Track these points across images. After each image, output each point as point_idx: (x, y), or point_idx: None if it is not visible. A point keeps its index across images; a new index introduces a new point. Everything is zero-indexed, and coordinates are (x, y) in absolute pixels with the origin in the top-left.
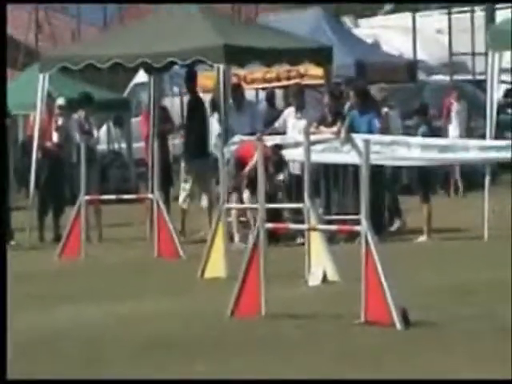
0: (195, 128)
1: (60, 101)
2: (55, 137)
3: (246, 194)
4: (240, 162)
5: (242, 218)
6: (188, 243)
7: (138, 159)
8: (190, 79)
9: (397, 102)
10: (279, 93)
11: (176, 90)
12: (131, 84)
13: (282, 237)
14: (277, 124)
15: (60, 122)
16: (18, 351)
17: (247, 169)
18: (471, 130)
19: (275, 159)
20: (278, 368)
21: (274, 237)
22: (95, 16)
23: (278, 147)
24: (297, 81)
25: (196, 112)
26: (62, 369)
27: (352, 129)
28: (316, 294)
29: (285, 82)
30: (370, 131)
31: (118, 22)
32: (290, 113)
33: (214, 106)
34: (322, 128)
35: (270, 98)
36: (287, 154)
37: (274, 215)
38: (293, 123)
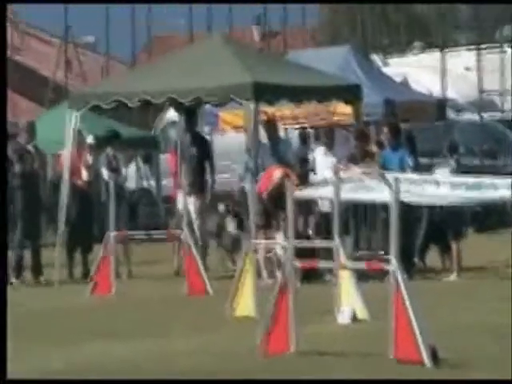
0: (195, 166)
1: (90, 139)
2: (85, 175)
3: (279, 235)
4: (268, 199)
5: (269, 255)
6: (214, 279)
7: (167, 196)
8: (191, 117)
9: (426, 140)
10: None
11: (207, 129)
12: (163, 121)
13: (312, 274)
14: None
15: (90, 160)
16: None
17: (270, 187)
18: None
19: (301, 173)
20: None
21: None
22: (124, 53)
23: (303, 161)
24: (328, 120)
25: (196, 149)
26: None
27: (384, 167)
28: (345, 332)
29: (313, 120)
30: (403, 168)
31: (147, 58)
32: (319, 151)
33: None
34: (352, 166)
35: (304, 136)
36: (317, 192)
37: (307, 253)
38: (322, 161)
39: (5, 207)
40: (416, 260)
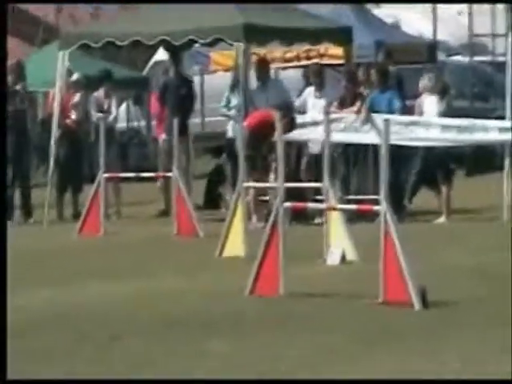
0: (179, 107)
1: (74, 77)
2: (73, 114)
3: (271, 178)
4: (251, 134)
5: (263, 198)
6: (207, 221)
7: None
8: (177, 58)
9: (415, 82)
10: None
11: (196, 68)
12: (151, 62)
13: (303, 216)
14: (297, 103)
15: (76, 98)
16: (34, 326)
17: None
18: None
19: (286, 121)
20: (294, 347)
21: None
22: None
23: (289, 107)
24: (316, 60)
25: (183, 90)
26: (77, 344)
27: (372, 108)
28: (334, 273)
29: (304, 62)
30: (391, 110)
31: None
32: (309, 92)
33: (235, 84)
34: (343, 107)
35: (307, 76)
36: (306, 133)
37: (297, 195)
38: (313, 103)
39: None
40: (406, 202)
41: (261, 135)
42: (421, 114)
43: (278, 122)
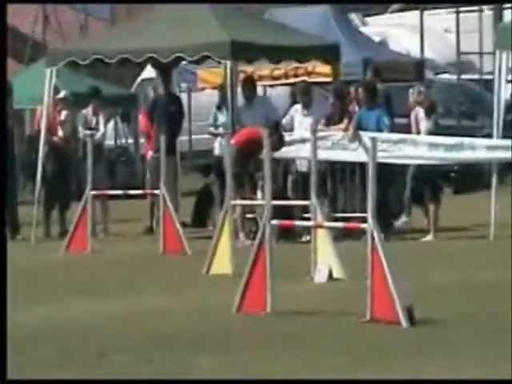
0: (168, 125)
1: (61, 94)
2: (60, 131)
3: (259, 195)
4: (239, 151)
5: (251, 215)
6: (194, 239)
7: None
8: (166, 75)
9: (403, 100)
10: (284, 89)
11: (184, 86)
12: (138, 80)
13: (290, 234)
14: (284, 121)
15: (63, 116)
16: (22, 344)
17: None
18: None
19: (275, 139)
20: (282, 364)
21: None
22: (103, 10)
23: (276, 125)
24: (304, 78)
25: (173, 108)
26: (65, 361)
27: (360, 126)
28: (321, 291)
29: (292, 80)
30: (379, 128)
31: (126, 16)
32: (296, 110)
33: (222, 101)
34: (330, 125)
35: (294, 94)
36: (294, 151)
37: (284, 212)
38: (300, 120)
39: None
40: (407, 218)
41: (248, 153)
42: (417, 128)
43: (265, 140)
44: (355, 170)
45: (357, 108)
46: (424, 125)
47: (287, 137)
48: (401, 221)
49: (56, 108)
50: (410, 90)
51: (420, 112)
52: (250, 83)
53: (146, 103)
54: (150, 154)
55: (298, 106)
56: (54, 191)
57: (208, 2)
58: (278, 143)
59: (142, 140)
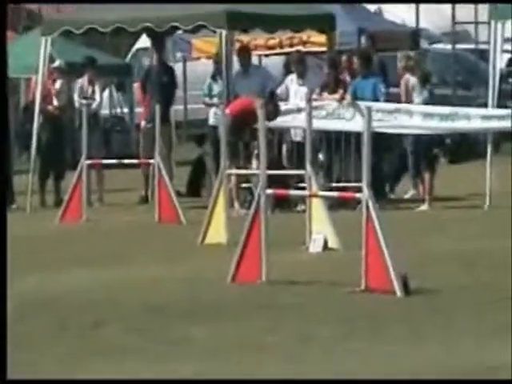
0: (161, 95)
1: (56, 63)
2: (55, 100)
3: (254, 164)
4: (233, 121)
5: (246, 185)
6: (189, 208)
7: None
8: (160, 45)
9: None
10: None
11: (179, 55)
12: (133, 49)
13: (285, 203)
14: (279, 91)
15: (58, 85)
16: (17, 313)
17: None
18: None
19: (270, 109)
20: (276, 334)
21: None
22: None
23: (272, 95)
24: (298, 48)
25: (165, 78)
26: (59, 331)
27: (355, 95)
28: (317, 260)
29: (287, 49)
30: (375, 96)
31: None
32: (291, 80)
33: (217, 71)
34: (325, 95)
35: (289, 64)
36: (289, 120)
37: (279, 182)
38: (295, 90)
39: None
40: (388, 189)
41: (242, 122)
42: (407, 96)
43: (260, 109)
44: (350, 139)
45: (348, 78)
46: (418, 95)
47: (282, 106)
48: (409, 193)
49: (51, 77)
50: (398, 55)
51: (411, 80)
52: (245, 52)
53: (141, 73)
54: (143, 123)
55: (293, 76)
56: (49, 160)
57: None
58: (273, 113)
59: (138, 109)
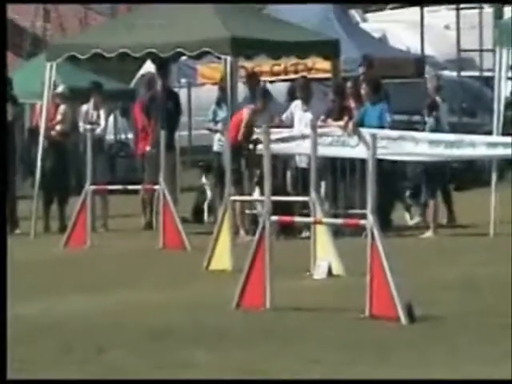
0: (165, 121)
1: (59, 89)
2: (58, 126)
3: (256, 192)
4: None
5: (250, 211)
6: (193, 234)
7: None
8: (164, 70)
9: (403, 97)
10: (284, 85)
11: (183, 81)
12: (138, 74)
13: (289, 230)
14: (284, 117)
15: (61, 110)
16: (21, 338)
17: (240, 136)
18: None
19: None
20: (279, 360)
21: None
22: (103, 4)
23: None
24: (304, 74)
25: (170, 104)
26: (62, 355)
27: (362, 121)
28: (321, 287)
29: (292, 75)
30: (381, 124)
31: (126, 10)
32: (296, 106)
33: (222, 97)
34: (330, 121)
35: (293, 91)
36: (294, 147)
37: (284, 208)
38: (299, 116)
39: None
40: (420, 217)
41: (240, 144)
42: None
43: (250, 115)
44: (355, 166)
45: (353, 104)
46: (431, 123)
47: (287, 133)
48: (414, 221)
49: (54, 103)
50: (427, 76)
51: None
52: (254, 79)
53: (139, 97)
54: (147, 149)
55: (298, 102)
56: (53, 186)
57: (208, 1)
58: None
59: (131, 136)
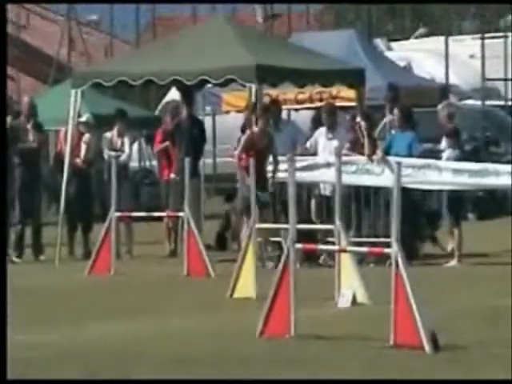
0: (190, 148)
1: (83, 118)
2: (83, 154)
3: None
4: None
5: (275, 239)
6: (218, 262)
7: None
8: (189, 98)
9: (427, 125)
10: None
11: (208, 109)
12: (163, 102)
13: (314, 258)
14: (308, 144)
15: (85, 139)
16: (45, 365)
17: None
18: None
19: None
20: None
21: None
22: (128, 32)
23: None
24: (329, 101)
25: (195, 131)
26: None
27: (391, 147)
28: (345, 316)
29: (317, 104)
30: (410, 153)
31: (151, 38)
32: (321, 133)
33: (247, 125)
34: (355, 150)
35: (317, 119)
36: (318, 175)
37: (308, 236)
38: (324, 144)
39: (4, 186)
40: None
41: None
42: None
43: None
44: (379, 194)
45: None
46: (449, 152)
47: (312, 160)
48: (450, 246)
49: (78, 131)
50: (439, 106)
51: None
52: (276, 107)
53: (163, 125)
54: (172, 176)
55: (323, 129)
56: (77, 213)
57: (218, 2)
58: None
59: (155, 162)
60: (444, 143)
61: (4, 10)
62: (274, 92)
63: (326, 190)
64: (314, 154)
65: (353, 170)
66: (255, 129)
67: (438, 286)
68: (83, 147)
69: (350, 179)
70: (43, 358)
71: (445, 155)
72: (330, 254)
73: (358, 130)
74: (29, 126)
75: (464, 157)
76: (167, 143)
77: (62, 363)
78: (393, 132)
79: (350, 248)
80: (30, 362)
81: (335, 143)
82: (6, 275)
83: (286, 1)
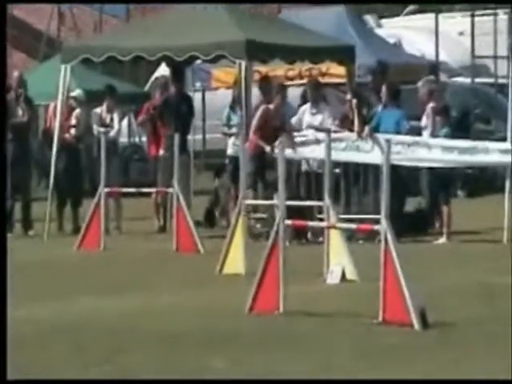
0: (179, 124)
1: (74, 93)
2: (72, 129)
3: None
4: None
5: (261, 215)
6: (207, 238)
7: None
8: (178, 74)
9: (415, 102)
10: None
11: (198, 85)
12: (152, 77)
13: (302, 234)
14: (293, 121)
15: (75, 114)
16: (33, 340)
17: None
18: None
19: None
20: (293, 365)
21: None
22: (118, 8)
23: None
24: (313, 76)
25: (184, 107)
26: (77, 358)
27: (379, 125)
28: (334, 292)
29: (306, 80)
30: (398, 130)
31: (141, 14)
32: (304, 110)
33: (236, 101)
34: (344, 126)
35: (306, 95)
36: (307, 151)
37: (296, 213)
38: (308, 120)
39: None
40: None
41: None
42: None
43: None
44: (368, 170)
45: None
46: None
47: (300, 137)
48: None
49: (68, 106)
50: (419, 83)
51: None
52: (267, 82)
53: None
54: (161, 152)
55: (306, 106)
56: (66, 188)
57: (221, 1)
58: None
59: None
60: (424, 120)
61: (4, 10)
62: (263, 69)
63: (314, 166)
64: (299, 130)
65: (342, 147)
66: (270, 106)
67: (427, 263)
68: (73, 122)
69: (339, 156)
70: (33, 333)
71: (425, 133)
72: (318, 231)
73: (348, 107)
74: (19, 101)
75: (453, 134)
76: (151, 113)
77: (49, 338)
78: (379, 109)
79: (339, 224)
80: (21, 336)
81: (319, 118)
82: (6, 252)
83: (286, 1)
